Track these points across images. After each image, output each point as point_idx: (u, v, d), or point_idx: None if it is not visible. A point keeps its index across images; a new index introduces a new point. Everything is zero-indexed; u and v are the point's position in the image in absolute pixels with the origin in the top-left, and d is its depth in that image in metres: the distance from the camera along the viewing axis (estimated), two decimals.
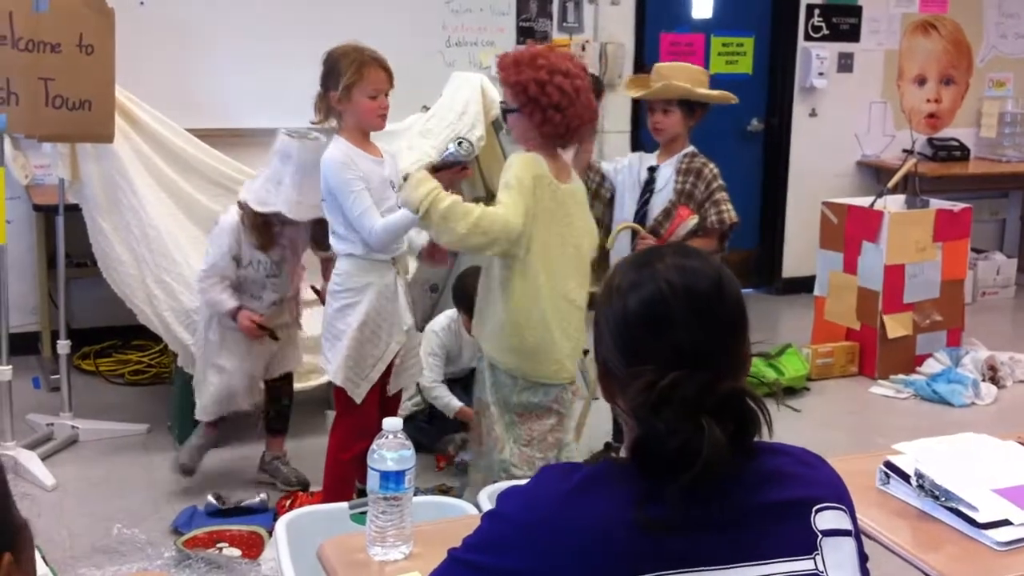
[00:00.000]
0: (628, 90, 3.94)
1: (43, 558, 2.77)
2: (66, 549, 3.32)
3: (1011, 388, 5.19)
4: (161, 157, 4.28)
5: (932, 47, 5.74)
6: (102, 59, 3.83)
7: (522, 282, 2.97)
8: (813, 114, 6.95)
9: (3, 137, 3.82)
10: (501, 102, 3.21)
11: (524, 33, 5.99)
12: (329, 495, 3.29)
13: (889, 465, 2.15)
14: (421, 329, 3.86)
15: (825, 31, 6.87)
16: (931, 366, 5.26)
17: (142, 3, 5.15)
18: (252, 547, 3.35)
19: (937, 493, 2.03)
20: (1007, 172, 7.17)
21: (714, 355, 1.28)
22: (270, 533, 3.32)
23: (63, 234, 4.23)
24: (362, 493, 3.04)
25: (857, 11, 6.93)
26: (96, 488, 3.81)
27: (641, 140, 6.19)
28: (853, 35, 6.95)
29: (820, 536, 1.28)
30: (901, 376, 5.24)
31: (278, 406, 3.93)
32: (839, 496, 1.34)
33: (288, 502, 3.59)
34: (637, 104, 6.18)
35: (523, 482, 1.34)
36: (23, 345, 4.80)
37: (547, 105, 2.90)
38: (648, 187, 3.75)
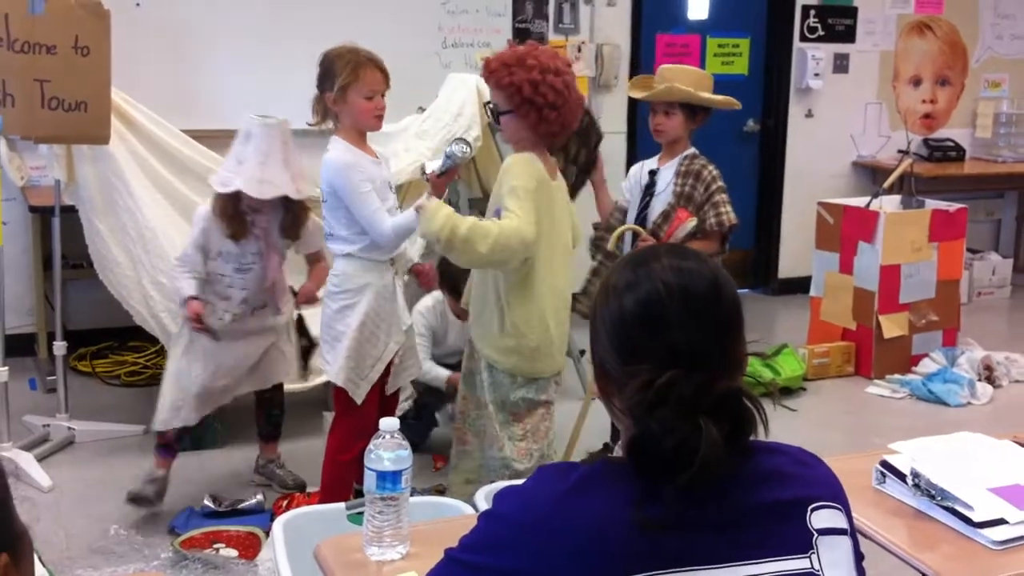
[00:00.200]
0: (631, 91, 3.94)
1: (40, 559, 2.76)
2: (63, 550, 3.32)
3: (1007, 388, 5.20)
4: (157, 158, 4.28)
5: (928, 48, 5.74)
6: (98, 61, 3.82)
7: (523, 286, 2.99)
8: (809, 115, 6.96)
9: None
10: (487, 103, 3.20)
11: (520, 34, 5.95)
12: (327, 496, 3.28)
13: (885, 464, 2.15)
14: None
15: (821, 32, 6.87)
16: (927, 366, 5.27)
17: (138, 4, 5.15)
18: (249, 548, 3.35)
19: (933, 492, 2.03)
20: (1003, 172, 7.18)
21: (710, 355, 1.28)
22: (267, 534, 3.32)
23: (59, 235, 4.21)
24: (359, 494, 3.03)
25: (853, 12, 6.94)
26: (93, 489, 3.81)
27: (639, 141, 6.20)
28: (849, 36, 6.96)
29: (816, 535, 1.28)
30: (897, 376, 5.25)
31: (269, 417, 3.91)
32: (835, 495, 1.34)
33: (285, 503, 3.58)
34: (634, 106, 6.19)
35: (521, 480, 1.34)
36: (19, 346, 4.80)
37: (543, 105, 2.91)
38: (648, 190, 3.75)
